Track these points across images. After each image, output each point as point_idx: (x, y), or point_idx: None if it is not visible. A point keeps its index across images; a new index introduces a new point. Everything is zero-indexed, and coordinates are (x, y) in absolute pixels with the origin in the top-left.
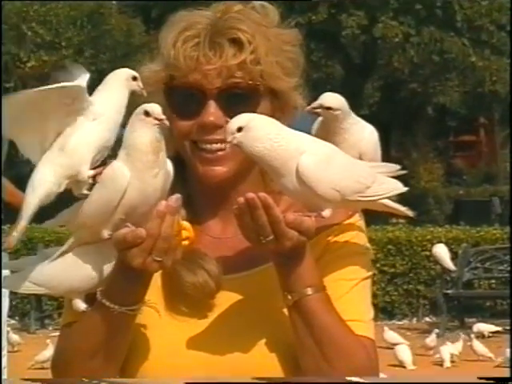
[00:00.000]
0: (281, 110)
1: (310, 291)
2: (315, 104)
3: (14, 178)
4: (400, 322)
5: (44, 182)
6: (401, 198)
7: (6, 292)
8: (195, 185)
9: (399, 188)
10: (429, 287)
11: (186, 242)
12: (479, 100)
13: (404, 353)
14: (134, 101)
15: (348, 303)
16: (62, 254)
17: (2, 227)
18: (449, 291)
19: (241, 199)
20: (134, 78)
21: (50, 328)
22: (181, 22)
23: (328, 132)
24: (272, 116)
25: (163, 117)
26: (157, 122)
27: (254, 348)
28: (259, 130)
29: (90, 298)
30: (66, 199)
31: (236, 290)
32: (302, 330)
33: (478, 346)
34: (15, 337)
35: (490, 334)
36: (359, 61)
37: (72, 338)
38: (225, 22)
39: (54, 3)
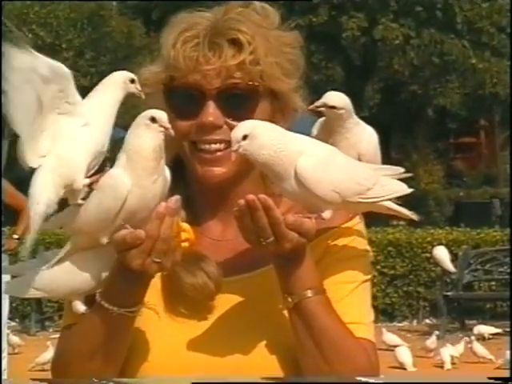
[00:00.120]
0: (281, 112)
1: (309, 293)
2: (319, 103)
3: (13, 179)
4: (400, 324)
5: (45, 193)
6: (401, 201)
7: (6, 294)
8: (195, 186)
9: (402, 190)
10: (429, 289)
11: (185, 244)
12: (479, 102)
13: (404, 355)
14: (135, 103)
15: (348, 306)
16: (61, 260)
17: (2, 229)
18: (449, 293)
19: (241, 201)
20: (132, 81)
21: (51, 330)
22: (181, 24)
23: (330, 131)
24: (272, 117)
25: (169, 125)
26: (162, 129)
27: (255, 350)
28: (263, 137)
29: (89, 299)
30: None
31: (236, 292)
32: (302, 332)
33: (479, 347)
34: (15, 339)
35: (490, 336)
36: (359, 63)
37: (71, 339)
38: (224, 23)
39: (54, 5)
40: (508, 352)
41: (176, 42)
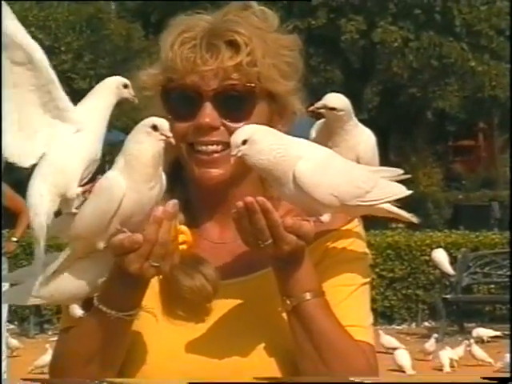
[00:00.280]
0: (279, 114)
1: (308, 296)
2: (319, 104)
3: (13, 182)
4: (399, 327)
5: (44, 203)
6: (399, 203)
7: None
8: (192, 188)
9: (401, 192)
10: (428, 292)
11: (183, 247)
12: (478, 105)
13: (403, 357)
14: (134, 105)
15: (347, 309)
16: (59, 267)
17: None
18: (448, 296)
19: (239, 203)
20: (125, 86)
21: (50, 333)
22: (180, 26)
23: (329, 133)
24: (270, 119)
25: (170, 134)
26: (163, 137)
27: (253, 353)
28: (263, 142)
29: (86, 303)
30: None
31: (234, 295)
32: (301, 334)
33: (478, 350)
34: (14, 342)
35: (489, 339)
36: (358, 65)
37: (69, 343)
38: (222, 25)
39: (53, 8)
40: (507, 355)
41: (174, 44)
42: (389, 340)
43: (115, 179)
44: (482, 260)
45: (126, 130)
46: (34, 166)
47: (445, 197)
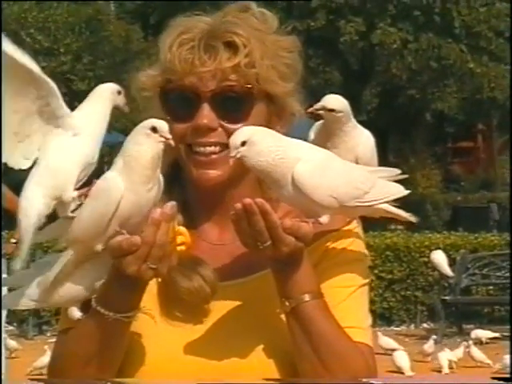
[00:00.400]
0: (277, 116)
1: (307, 297)
2: (318, 105)
3: (12, 184)
4: (398, 328)
5: (35, 205)
6: (398, 204)
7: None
8: (191, 189)
9: (399, 192)
10: (427, 293)
11: (182, 248)
12: (477, 106)
13: (402, 359)
14: (133, 107)
15: (345, 310)
16: (60, 273)
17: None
18: (447, 297)
19: (238, 205)
20: (119, 93)
21: (48, 334)
22: (179, 27)
23: (328, 135)
24: (268, 121)
25: (169, 136)
26: (163, 139)
27: (252, 354)
28: (262, 144)
29: (85, 305)
30: None
31: (233, 297)
32: (300, 336)
33: (476, 352)
34: (13, 343)
35: (488, 341)
36: (357, 67)
37: (67, 344)
38: (221, 26)
39: (52, 9)
40: (506, 356)
41: (172, 45)
42: (387, 341)
43: (113, 180)
44: (480, 261)
45: (126, 132)
46: (31, 168)
47: (443, 198)
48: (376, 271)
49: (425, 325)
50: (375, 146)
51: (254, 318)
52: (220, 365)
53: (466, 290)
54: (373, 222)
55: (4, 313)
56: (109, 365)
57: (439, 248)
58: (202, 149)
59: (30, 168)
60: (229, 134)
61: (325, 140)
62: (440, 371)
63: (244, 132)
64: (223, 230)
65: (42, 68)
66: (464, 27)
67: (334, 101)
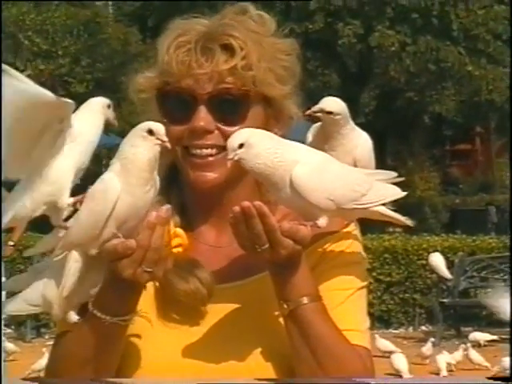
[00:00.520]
0: (275, 118)
1: (305, 300)
2: (316, 108)
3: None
4: (396, 331)
5: (17, 206)
6: (397, 207)
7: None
8: (188, 192)
9: (396, 194)
10: (425, 296)
11: (179, 249)
12: (475, 109)
13: (400, 361)
14: (131, 109)
15: (343, 313)
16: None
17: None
18: (445, 300)
19: (236, 208)
20: (109, 106)
21: (47, 337)
22: (176, 29)
23: (326, 137)
24: (266, 123)
25: (166, 138)
26: (159, 142)
27: (250, 357)
28: (259, 146)
29: (82, 308)
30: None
31: (231, 300)
32: (298, 339)
33: (474, 354)
34: (11, 345)
35: (486, 343)
36: (355, 69)
37: (64, 347)
38: (218, 29)
39: (50, 12)
40: (504, 359)
41: (170, 47)
42: (384, 344)
43: (110, 181)
44: (479, 264)
45: (123, 134)
46: None
47: (442, 201)
48: (374, 274)
49: (423, 327)
50: (373, 148)
51: (252, 320)
52: (217, 367)
53: (465, 292)
54: (371, 225)
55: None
56: (105, 368)
57: (437, 250)
58: (198, 151)
59: None
60: (225, 136)
61: (323, 142)
62: (438, 374)
63: (242, 134)
64: (220, 232)
65: (40, 71)
66: (462, 30)
67: (332, 103)
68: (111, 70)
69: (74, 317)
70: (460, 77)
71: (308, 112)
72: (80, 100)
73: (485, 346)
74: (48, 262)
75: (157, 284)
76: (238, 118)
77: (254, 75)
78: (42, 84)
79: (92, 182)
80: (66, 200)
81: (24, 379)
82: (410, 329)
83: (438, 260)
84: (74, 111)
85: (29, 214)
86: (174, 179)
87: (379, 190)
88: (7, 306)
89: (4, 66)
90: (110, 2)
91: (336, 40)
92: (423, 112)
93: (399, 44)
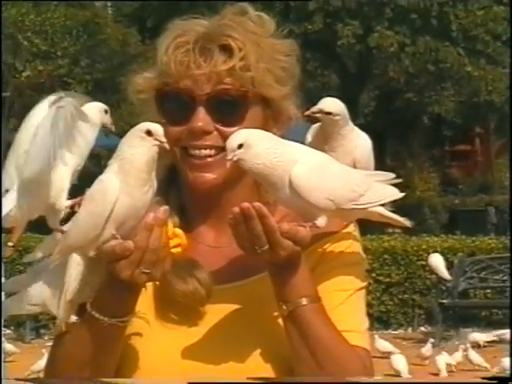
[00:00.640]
0: (274, 119)
1: (304, 301)
2: (315, 108)
3: None
4: (395, 332)
5: (15, 207)
6: (396, 208)
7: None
8: (187, 192)
9: (394, 194)
10: (424, 297)
11: (178, 249)
12: (475, 109)
13: (400, 362)
14: (130, 110)
15: (343, 314)
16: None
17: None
18: (444, 301)
19: (236, 209)
20: (106, 112)
21: (46, 337)
22: (175, 30)
23: (325, 138)
24: (264, 124)
25: (164, 139)
26: (157, 143)
27: (249, 358)
28: (259, 147)
29: (81, 309)
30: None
31: (229, 300)
32: (297, 340)
33: (474, 355)
34: (10, 346)
35: (486, 344)
36: (355, 70)
37: (63, 349)
38: (216, 29)
39: (49, 13)
40: (503, 359)
41: (168, 48)
42: (383, 344)
43: (109, 181)
44: (478, 265)
45: (123, 135)
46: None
47: (441, 202)
48: (374, 274)
49: (422, 328)
50: (372, 149)
51: (251, 321)
52: (216, 368)
53: (464, 293)
54: (370, 226)
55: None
56: (104, 368)
57: (437, 251)
58: (197, 152)
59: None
60: (224, 137)
61: (322, 143)
62: (438, 375)
63: (241, 135)
64: (219, 232)
65: (40, 71)
66: (461, 30)
67: (331, 104)
68: (110, 71)
69: (72, 317)
70: (459, 77)
71: (307, 113)
72: None
73: (484, 346)
74: (47, 263)
75: (157, 283)
76: (237, 119)
77: (252, 76)
78: (41, 85)
79: (91, 184)
80: (64, 202)
81: (23, 380)
82: (410, 329)
83: (437, 261)
84: None
85: (26, 216)
86: (173, 180)
87: (378, 191)
88: (7, 306)
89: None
90: (109, 3)
91: (335, 41)
92: (422, 112)
93: (398, 45)
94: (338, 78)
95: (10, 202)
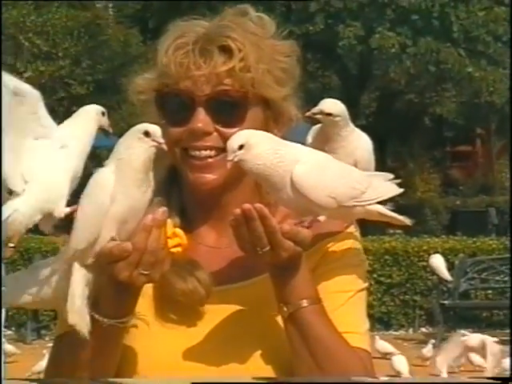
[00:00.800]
0: (274, 120)
1: (305, 303)
2: (315, 110)
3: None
4: (396, 333)
5: (14, 214)
6: (397, 208)
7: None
8: (187, 193)
9: (394, 190)
10: (425, 297)
11: (178, 249)
12: (476, 110)
13: (401, 363)
14: (131, 111)
15: (343, 315)
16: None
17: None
18: (445, 302)
19: (237, 210)
20: (103, 114)
21: (47, 338)
22: (175, 31)
23: (326, 139)
24: (265, 125)
25: (162, 140)
26: (155, 144)
27: (249, 359)
28: (259, 148)
29: None
30: None
31: (230, 301)
32: (298, 341)
33: (475, 356)
34: (11, 347)
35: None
36: (356, 71)
37: (63, 350)
38: (216, 30)
39: (51, 14)
40: (504, 361)
41: (168, 49)
42: (383, 345)
43: (102, 173)
44: (479, 266)
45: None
46: None
47: (442, 202)
48: (375, 275)
49: (423, 329)
50: (373, 150)
51: (251, 322)
52: (216, 369)
53: (465, 294)
54: (371, 227)
55: (3, 317)
56: (104, 369)
57: (438, 252)
58: (197, 153)
59: None
60: (224, 138)
61: (323, 144)
62: (438, 375)
63: (241, 135)
64: (220, 233)
65: (41, 72)
66: (462, 31)
67: (332, 105)
68: (112, 72)
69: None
70: (460, 78)
71: (308, 114)
72: (80, 102)
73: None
74: (47, 262)
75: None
76: (237, 120)
77: (252, 77)
78: (43, 86)
79: None
80: (63, 209)
81: (25, 380)
82: (411, 330)
83: (438, 261)
84: (72, 114)
85: (25, 222)
86: (174, 181)
87: (378, 188)
88: (5, 298)
89: None
90: (111, 4)
91: (336, 42)
92: (423, 113)
93: (399, 46)
94: (339, 79)
95: (9, 207)
